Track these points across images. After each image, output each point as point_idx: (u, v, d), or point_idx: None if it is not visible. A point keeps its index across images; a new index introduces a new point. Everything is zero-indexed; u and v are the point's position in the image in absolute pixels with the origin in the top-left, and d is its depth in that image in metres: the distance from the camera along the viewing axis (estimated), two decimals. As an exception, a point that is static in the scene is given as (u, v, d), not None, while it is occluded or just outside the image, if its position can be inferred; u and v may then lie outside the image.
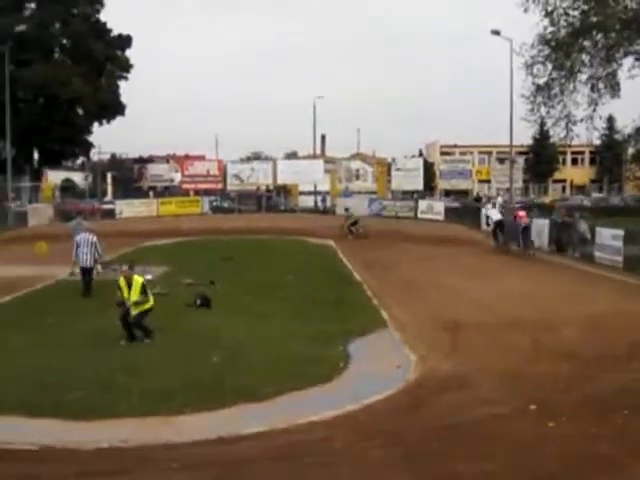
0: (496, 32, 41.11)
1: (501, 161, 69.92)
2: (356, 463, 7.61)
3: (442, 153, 78.75)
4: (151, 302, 13.22)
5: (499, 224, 30.24)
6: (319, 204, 55.45)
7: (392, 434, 8.47)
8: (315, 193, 57.13)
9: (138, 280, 13.19)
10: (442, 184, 60.49)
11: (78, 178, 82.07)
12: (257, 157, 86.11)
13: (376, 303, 17.04)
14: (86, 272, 18.73)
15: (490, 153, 77.75)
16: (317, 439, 8.36)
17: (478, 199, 58.18)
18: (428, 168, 62.53)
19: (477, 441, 8.07)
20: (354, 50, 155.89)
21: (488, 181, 73.02)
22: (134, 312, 12.99)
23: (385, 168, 58.00)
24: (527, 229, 28.51)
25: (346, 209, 39.82)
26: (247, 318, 14.85)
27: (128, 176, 65.46)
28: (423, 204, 47.32)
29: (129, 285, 13.11)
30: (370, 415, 9.20)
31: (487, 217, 33.31)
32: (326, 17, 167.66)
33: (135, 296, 13.00)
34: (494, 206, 34.63)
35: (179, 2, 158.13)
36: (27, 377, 10.50)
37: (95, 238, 19.19)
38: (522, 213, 29.67)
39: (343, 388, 10.30)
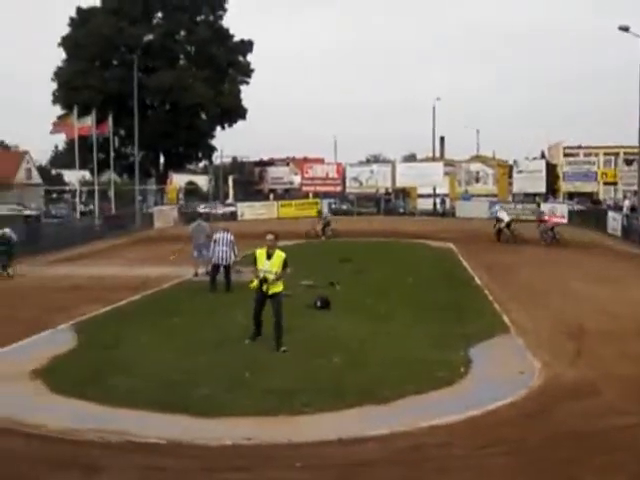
0: (624, 28, 39.58)
1: (629, 162, 67.20)
2: (477, 470, 7.49)
3: (566, 154, 76.28)
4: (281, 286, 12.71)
5: None
6: (438, 207, 54.98)
7: (515, 441, 8.28)
8: (434, 196, 56.65)
9: (280, 254, 12.56)
10: (566, 186, 58.86)
11: (201, 181, 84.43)
12: (376, 160, 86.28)
13: (497, 307, 16.72)
14: (223, 268, 19.40)
15: (617, 154, 74.80)
16: (438, 444, 8.26)
17: (597, 202, 56.27)
18: (551, 170, 60.89)
19: (606, 451, 7.78)
20: (472, 50, 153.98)
21: (614, 183, 70.30)
22: (271, 288, 12.42)
23: (506, 170, 56.96)
24: None
25: (319, 212, 42.95)
26: (367, 320, 14.88)
27: (249, 179, 66.79)
28: (546, 207, 46.10)
29: (269, 256, 12.48)
30: (492, 421, 9.02)
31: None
32: (438, 16, 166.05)
33: (275, 266, 12.41)
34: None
35: (296, 4, 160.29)
36: (156, 374, 10.85)
37: (232, 237, 19.77)
38: None
39: (464, 393, 10.15)
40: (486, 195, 55.46)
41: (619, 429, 8.52)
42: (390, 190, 58.91)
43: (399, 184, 57.61)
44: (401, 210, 56.83)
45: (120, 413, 9.14)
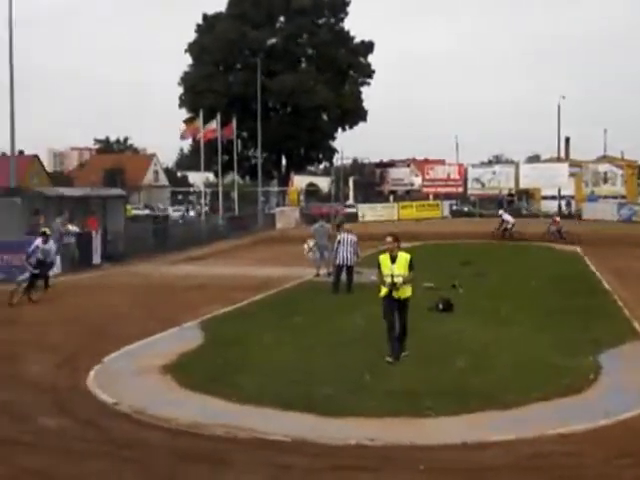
0: None
1: None
2: (609, 481, 7.26)
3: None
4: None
5: None
6: (563, 208, 53.48)
7: (648, 454, 7.96)
8: (559, 197, 55.13)
9: (405, 255, 11.91)
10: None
11: (322, 182, 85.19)
12: (498, 160, 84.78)
13: (627, 314, 16.09)
14: (345, 269, 19.51)
15: None
16: (566, 453, 8.03)
17: None
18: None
19: None
20: (598, 49, 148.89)
21: None
22: (400, 293, 11.74)
23: (635, 171, 54.79)
24: None
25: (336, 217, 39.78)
26: (490, 323, 14.64)
27: (369, 180, 66.92)
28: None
29: (393, 259, 11.86)
30: (624, 432, 8.68)
31: None
32: (557, 16, 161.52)
33: (401, 269, 11.76)
34: None
35: (416, 5, 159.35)
36: (280, 372, 11.03)
37: (356, 238, 19.91)
38: None
39: (594, 401, 9.81)
40: (614, 197, 53.55)
41: None
42: (513, 191, 57.72)
43: (522, 185, 56.39)
44: (524, 212, 55.57)
45: (246, 410, 9.34)
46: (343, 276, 19.51)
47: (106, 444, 8.25)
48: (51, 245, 19.30)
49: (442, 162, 66.48)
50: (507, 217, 39.50)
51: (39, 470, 7.44)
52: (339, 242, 19.71)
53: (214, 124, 46.54)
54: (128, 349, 12.88)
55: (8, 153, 37.23)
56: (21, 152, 64.71)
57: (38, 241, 19.07)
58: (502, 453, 8.01)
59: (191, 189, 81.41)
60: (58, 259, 24.29)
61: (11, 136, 31.56)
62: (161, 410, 9.29)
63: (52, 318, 16.34)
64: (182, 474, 7.43)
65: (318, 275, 22.29)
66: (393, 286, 11.72)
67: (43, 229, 20.33)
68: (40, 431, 8.72)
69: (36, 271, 18.68)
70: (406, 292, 11.89)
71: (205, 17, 67.16)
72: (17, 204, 26.67)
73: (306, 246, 26.60)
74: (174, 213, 60.47)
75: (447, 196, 57.13)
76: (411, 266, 11.82)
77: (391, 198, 61.11)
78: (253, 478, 7.29)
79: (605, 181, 54.83)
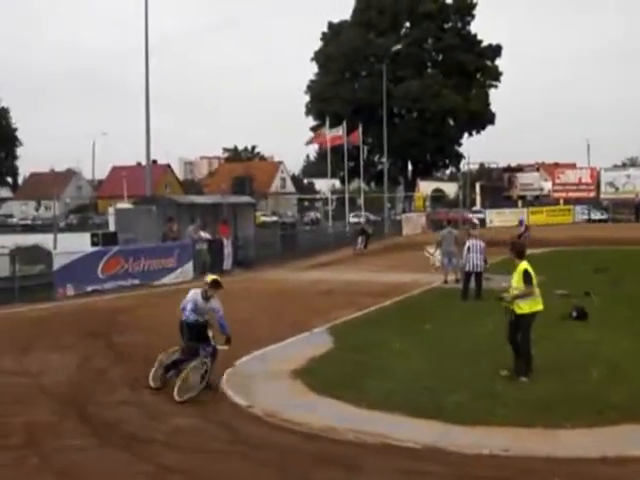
0: None
1: None
2: None
3: None
4: (539, 303, 11.16)
5: None
6: None
7: None
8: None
9: (520, 266, 11.17)
10: None
11: (447, 188, 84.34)
12: (633, 163, 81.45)
13: None
14: (474, 275, 19.39)
15: None
16: None
17: None
18: None
19: None
20: None
21: None
22: (512, 308, 11.03)
23: None
24: None
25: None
26: (627, 333, 14.01)
27: (497, 185, 65.64)
28: None
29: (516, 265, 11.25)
30: None
31: None
32: None
33: (514, 282, 11.09)
34: None
35: (543, 5, 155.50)
36: (409, 379, 10.99)
37: (484, 245, 19.70)
38: None
39: None
40: None
41: None
42: (649, 195, 55.32)
43: (661, 189, 53.94)
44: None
45: (375, 415, 9.36)
46: (472, 283, 19.27)
47: (241, 445, 8.46)
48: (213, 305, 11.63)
49: (573, 166, 64.46)
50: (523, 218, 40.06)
51: (178, 468, 7.70)
52: (468, 248, 19.49)
53: (340, 131, 46.91)
54: (259, 353, 13.13)
55: (143, 163, 38.71)
56: (154, 162, 67.26)
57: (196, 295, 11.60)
58: (644, 469, 7.68)
59: (317, 196, 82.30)
60: (190, 264, 25.20)
61: (147, 147, 32.84)
62: (292, 414, 9.44)
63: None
64: (316, 477, 7.51)
65: (446, 282, 22.07)
66: (501, 300, 11.16)
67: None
68: (176, 431, 9.01)
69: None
70: (520, 307, 11.05)
71: (330, 25, 67.89)
72: (153, 212, 27.72)
73: (426, 253, 26.46)
74: (305, 218, 61.19)
75: (578, 201, 55.37)
76: (525, 278, 10.95)
77: (519, 203, 59.78)
78: (385, 484, 7.30)
79: None
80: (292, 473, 7.61)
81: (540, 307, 11.17)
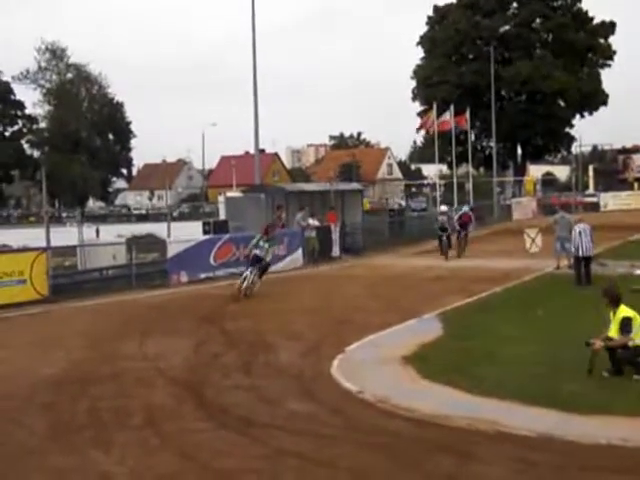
0: None
1: None
2: None
3: None
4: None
5: None
6: None
7: None
8: None
9: (621, 311, 10.22)
10: None
11: (558, 171, 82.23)
12: None
13: None
14: (583, 260, 18.90)
15: None
16: None
17: None
18: None
19: None
20: None
21: None
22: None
23: None
24: None
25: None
26: None
27: (611, 168, 63.55)
28: None
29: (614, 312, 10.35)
30: None
31: None
32: None
33: (612, 332, 10.22)
34: None
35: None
36: (521, 366, 10.82)
37: (590, 228, 19.27)
38: None
39: None
40: None
41: None
42: None
43: None
44: None
45: (488, 402, 9.26)
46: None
47: (353, 430, 8.53)
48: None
49: (694, 145, 61.61)
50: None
51: (292, 451, 7.82)
52: (579, 233, 18.99)
53: (447, 115, 46.34)
54: (369, 339, 13.19)
55: (252, 152, 39.34)
56: (262, 150, 68.23)
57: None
58: None
59: (425, 181, 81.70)
60: (300, 252, 25.49)
61: (255, 136, 33.36)
62: (404, 399, 9.43)
63: (294, 307, 17.09)
64: (429, 463, 7.49)
65: (558, 267, 21.55)
66: (587, 345, 10.11)
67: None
68: (290, 415, 9.16)
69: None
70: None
71: (436, 8, 66.97)
72: (261, 200, 28.18)
73: (526, 237, 25.85)
74: (419, 205, 60.61)
75: None
76: (625, 328, 9.98)
77: (636, 186, 57.65)
78: (499, 471, 7.20)
79: None
80: (403, 459, 7.62)
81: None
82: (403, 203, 66.21)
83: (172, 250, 21.94)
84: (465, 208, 30.64)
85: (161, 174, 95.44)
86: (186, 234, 26.14)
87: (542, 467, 7.31)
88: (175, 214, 59.41)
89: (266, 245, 19.20)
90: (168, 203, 63.81)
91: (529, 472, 7.20)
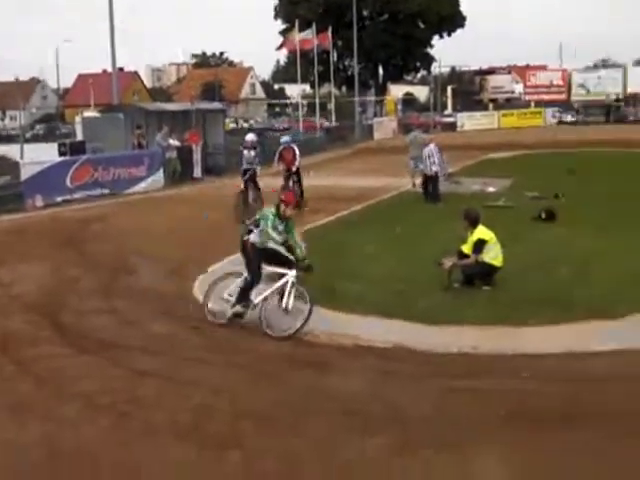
0: None
1: None
2: None
3: None
4: (499, 260, 10.72)
5: None
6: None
7: None
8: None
9: (478, 232, 10.87)
10: None
11: (418, 92, 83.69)
12: (604, 64, 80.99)
13: None
14: (431, 179, 19.80)
15: None
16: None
17: None
18: None
19: None
20: None
21: None
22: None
23: None
24: None
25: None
26: (596, 233, 14.13)
27: (468, 89, 65.30)
28: None
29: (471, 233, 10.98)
30: None
31: None
32: None
33: (466, 249, 10.87)
34: None
35: None
36: (380, 282, 11.13)
37: (437, 147, 20.14)
38: None
39: None
40: None
41: None
42: (620, 97, 55.29)
43: (631, 90, 53.91)
44: (631, 118, 53.21)
45: (350, 318, 9.51)
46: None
47: (216, 351, 8.56)
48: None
49: (544, 68, 64.05)
50: None
51: (151, 372, 7.77)
52: (428, 155, 19.75)
53: (309, 34, 46.01)
54: (231, 259, 13.13)
55: (110, 70, 37.85)
56: (121, 69, 65.69)
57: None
58: (609, 363, 7.89)
59: (288, 101, 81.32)
60: (160, 173, 24.97)
61: (112, 54, 32.07)
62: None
63: (156, 229, 16.73)
64: (290, 378, 7.64)
65: (414, 185, 22.12)
66: (439, 265, 10.77)
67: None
68: (150, 337, 9.08)
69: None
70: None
71: None
72: (120, 120, 27.26)
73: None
74: (281, 125, 60.36)
75: (549, 103, 55.21)
76: (476, 249, 10.67)
77: (490, 106, 59.56)
78: (357, 381, 7.43)
79: None
80: (265, 376, 7.71)
81: (499, 264, 10.76)
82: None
83: (26, 172, 20.98)
84: (285, 139, 21.91)
85: (13, 93, 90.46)
86: (41, 156, 24.98)
87: (397, 376, 7.60)
88: (28, 135, 56.58)
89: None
90: (21, 123, 60.76)
91: (386, 381, 7.47)
